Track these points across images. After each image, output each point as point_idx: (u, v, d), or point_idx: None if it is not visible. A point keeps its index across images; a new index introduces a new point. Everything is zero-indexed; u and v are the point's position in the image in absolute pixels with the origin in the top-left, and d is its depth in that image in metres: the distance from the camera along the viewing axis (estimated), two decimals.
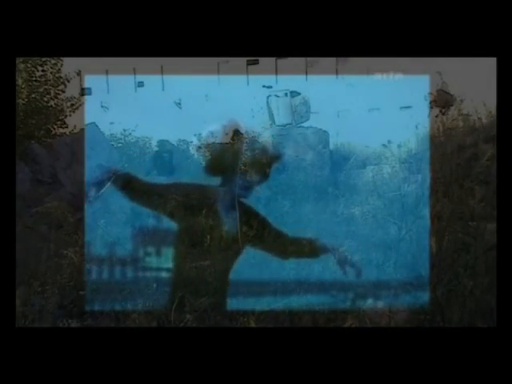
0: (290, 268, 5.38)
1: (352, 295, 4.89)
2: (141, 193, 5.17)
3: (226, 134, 5.31)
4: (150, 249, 5.79)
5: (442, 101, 10.42)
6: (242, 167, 8.52)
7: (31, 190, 7.94)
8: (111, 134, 11.30)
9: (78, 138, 9.26)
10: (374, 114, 12.77)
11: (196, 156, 10.92)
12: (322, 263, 5.80)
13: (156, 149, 11.83)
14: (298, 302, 4.82)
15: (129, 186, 4.85)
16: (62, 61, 10.43)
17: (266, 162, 5.53)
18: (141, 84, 13.28)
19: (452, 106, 9.94)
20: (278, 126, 12.24)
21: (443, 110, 9.80)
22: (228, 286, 4.68)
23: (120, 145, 11.27)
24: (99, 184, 4.99)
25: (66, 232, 6.26)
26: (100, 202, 8.03)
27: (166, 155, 11.40)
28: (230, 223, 4.98)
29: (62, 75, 10.48)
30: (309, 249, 4.78)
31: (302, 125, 12.14)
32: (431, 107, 10.47)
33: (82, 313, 4.97)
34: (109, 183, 5.45)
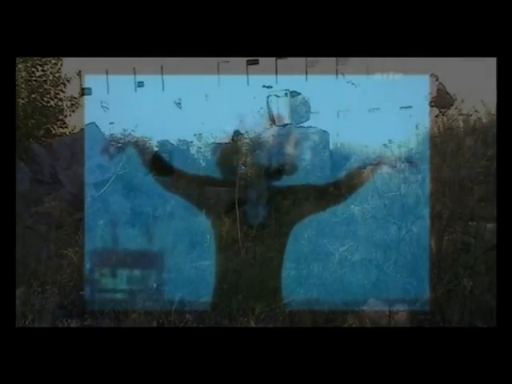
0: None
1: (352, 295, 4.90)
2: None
3: None
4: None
5: (441, 101, 10.43)
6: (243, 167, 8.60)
7: (31, 190, 7.92)
8: (111, 134, 11.30)
9: (78, 138, 9.25)
10: (374, 113, 12.77)
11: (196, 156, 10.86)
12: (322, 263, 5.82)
13: (156, 149, 11.84)
14: None
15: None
16: (61, 61, 10.42)
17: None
18: (141, 84, 13.28)
19: (452, 105, 9.95)
20: (278, 125, 12.26)
21: (443, 111, 9.80)
22: None
23: (120, 145, 11.26)
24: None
25: (66, 232, 6.26)
26: (100, 202, 8.05)
27: (165, 155, 11.41)
28: None
29: (62, 75, 10.46)
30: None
31: (302, 125, 12.14)
32: (431, 106, 10.47)
33: (82, 313, 4.98)
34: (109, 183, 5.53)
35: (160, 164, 10.72)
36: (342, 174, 10.90)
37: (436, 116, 9.94)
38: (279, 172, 10.73)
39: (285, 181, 10.17)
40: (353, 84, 12.01)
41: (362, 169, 10.83)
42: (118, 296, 5.11)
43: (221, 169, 10.38)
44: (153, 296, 4.95)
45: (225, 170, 10.13)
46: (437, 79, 10.80)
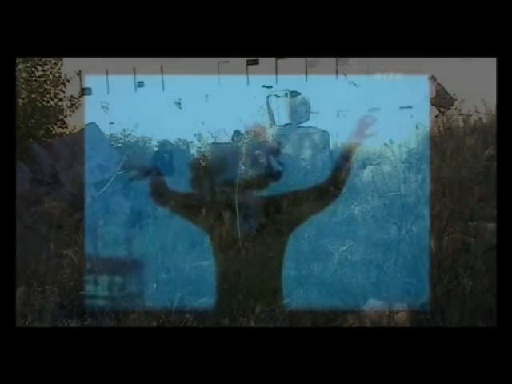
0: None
1: (352, 295, 4.90)
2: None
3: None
4: None
5: (441, 101, 10.43)
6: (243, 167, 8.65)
7: (31, 190, 7.92)
8: (111, 134, 11.31)
9: (78, 138, 9.24)
10: (374, 114, 12.76)
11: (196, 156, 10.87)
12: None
13: (156, 149, 11.84)
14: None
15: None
16: (61, 61, 10.42)
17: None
18: (141, 84, 13.28)
19: (452, 105, 9.95)
20: (278, 125, 12.25)
21: (443, 111, 9.81)
22: None
23: (120, 145, 11.27)
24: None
25: (66, 232, 6.26)
26: (100, 202, 8.05)
27: (165, 155, 11.41)
28: None
29: (62, 75, 10.47)
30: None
31: (302, 125, 12.14)
32: (432, 104, 10.47)
33: (81, 313, 4.98)
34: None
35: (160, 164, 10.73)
36: (342, 174, 10.89)
37: (436, 116, 9.95)
38: (279, 172, 10.74)
39: (285, 181, 10.18)
40: (354, 84, 12.02)
41: (361, 169, 10.83)
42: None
43: (220, 169, 10.38)
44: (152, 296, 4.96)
45: (224, 170, 10.13)
46: (435, 80, 10.82)
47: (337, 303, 4.78)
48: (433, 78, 10.79)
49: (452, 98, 10.48)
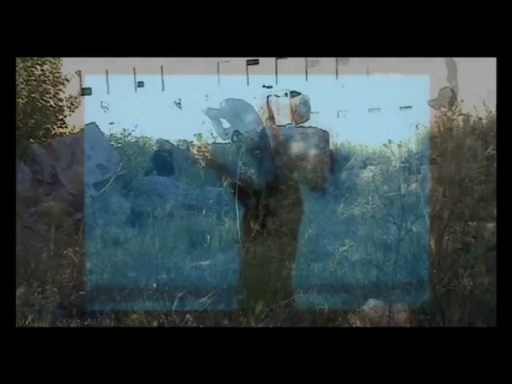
0: None
1: (352, 295, 4.90)
2: None
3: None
4: None
5: (445, 104, 10.45)
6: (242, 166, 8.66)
7: (31, 190, 7.92)
8: (111, 134, 11.32)
9: (78, 138, 9.24)
10: (374, 114, 12.80)
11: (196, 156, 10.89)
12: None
13: (156, 149, 11.86)
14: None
15: None
16: (61, 61, 10.42)
17: None
18: (141, 84, 13.30)
19: (453, 105, 9.97)
20: (278, 125, 12.26)
21: (444, 111, 9.82)
22: None
23: (120, 145, 11.29)
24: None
25: (66, 232, 6.27)
26: (100, 202, 8.06)
27: (165, 155, 11.43)
28: None
29: (62, 75, 10.48)
30: None
31: (302, 125, 12.15)
32: (432, 106, 10.49)
33: (81, 313, 4.98)
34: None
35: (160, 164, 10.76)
36: (342, 173, 10.91)
37: (436, 116, 9.97)
38: (279, 172, 10.74)
39: (285, 181, 10.20)
40: (343, 86, 12.06)
41: (361, 169, 10.85)
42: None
43: (220, 169, 10.40)
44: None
45: (224, 170, 10.15)
46: (452, 90, 10.84)
47: (337, 303, 4.78)
48: (451, 90, 10.82)
49: (456, 99, 10.52)
